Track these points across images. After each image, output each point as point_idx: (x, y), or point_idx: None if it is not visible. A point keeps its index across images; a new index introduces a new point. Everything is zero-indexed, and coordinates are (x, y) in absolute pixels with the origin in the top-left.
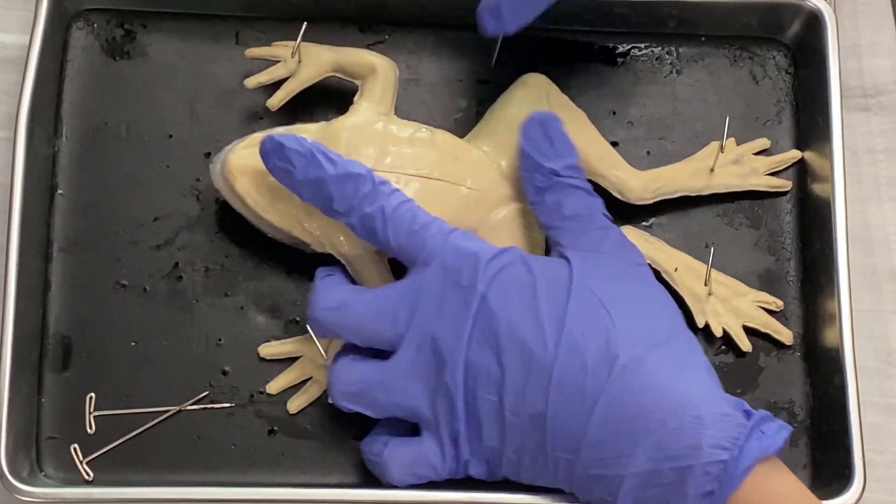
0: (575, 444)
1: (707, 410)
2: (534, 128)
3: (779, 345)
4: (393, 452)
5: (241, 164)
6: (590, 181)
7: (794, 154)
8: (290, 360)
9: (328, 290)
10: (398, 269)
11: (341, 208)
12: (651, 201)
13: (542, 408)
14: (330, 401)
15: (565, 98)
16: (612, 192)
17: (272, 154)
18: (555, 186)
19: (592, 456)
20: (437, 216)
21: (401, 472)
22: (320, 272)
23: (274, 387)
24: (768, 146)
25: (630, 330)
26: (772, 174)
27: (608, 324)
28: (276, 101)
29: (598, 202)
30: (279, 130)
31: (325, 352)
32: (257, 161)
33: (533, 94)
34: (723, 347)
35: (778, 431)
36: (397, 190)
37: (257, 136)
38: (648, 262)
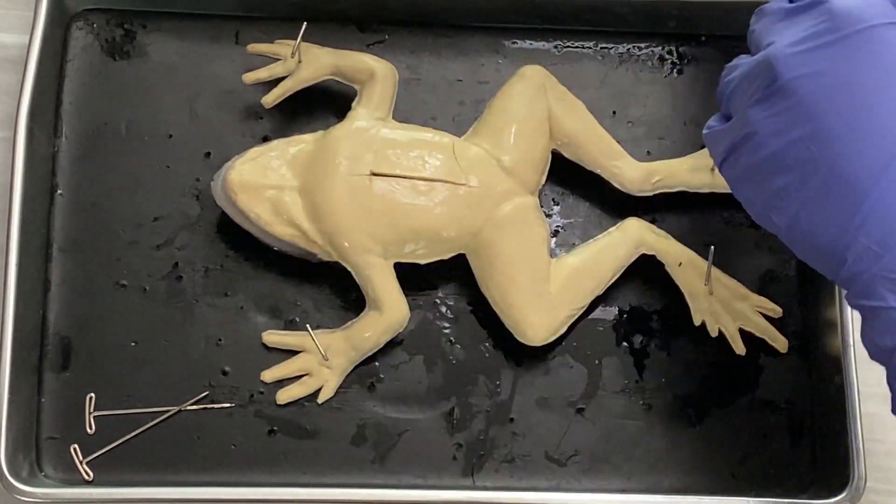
0: None
1: None
2: None
3: (774, 351)
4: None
5: (241, 179)
6: (591, 172)
7: None
8: (290, 355)
9: None
10: (404, 274)
11: None
12: (651, 193)
13: None
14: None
15: (563, 89)
16: (612, 182)
17: None
18: None
19: None
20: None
21: None
22: None
23: (269, 376)
24: None
25: None
26: None
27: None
28: (271, 98)
29: None
30: (275, 144)
31: (325, 352)
32: (257, 175)
33: (531, 88)
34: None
35: None
36: None
37: (255, 151)
38: (654, 254)
